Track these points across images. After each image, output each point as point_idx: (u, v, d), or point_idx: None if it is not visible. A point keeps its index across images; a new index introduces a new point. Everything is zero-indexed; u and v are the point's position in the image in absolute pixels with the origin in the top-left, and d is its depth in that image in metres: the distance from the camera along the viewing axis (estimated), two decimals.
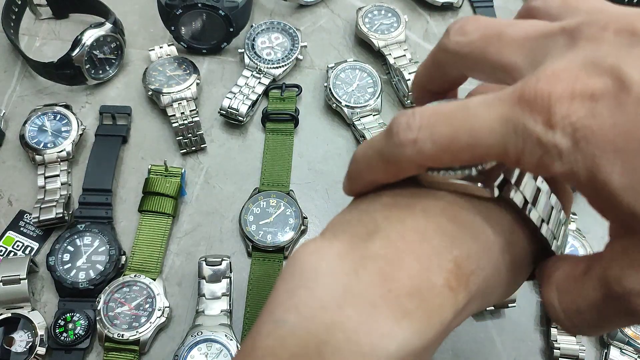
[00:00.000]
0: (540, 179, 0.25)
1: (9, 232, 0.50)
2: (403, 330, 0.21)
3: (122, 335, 0.44)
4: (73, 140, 0.52)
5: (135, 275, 0.46)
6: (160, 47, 0.57)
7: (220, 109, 0.55)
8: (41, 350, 0.44)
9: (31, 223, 0.50)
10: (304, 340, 0.21)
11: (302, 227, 0.50)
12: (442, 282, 0.22)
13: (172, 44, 0.58)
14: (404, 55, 0.56)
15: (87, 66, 0.55)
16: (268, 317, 0.22)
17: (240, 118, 0.55)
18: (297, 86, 0.58)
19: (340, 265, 0.22)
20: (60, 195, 0.50)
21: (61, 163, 0.51)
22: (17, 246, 0.49)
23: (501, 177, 0.23)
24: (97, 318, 0.44)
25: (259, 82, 0.56)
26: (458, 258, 0.22)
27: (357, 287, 0.21)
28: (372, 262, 0.22)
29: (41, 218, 0.48)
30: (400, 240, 0.23)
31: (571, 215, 0.50)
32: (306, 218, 0.50)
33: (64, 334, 0.44)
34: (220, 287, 0.46)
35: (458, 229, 0.23)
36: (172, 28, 0.57)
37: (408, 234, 0.23)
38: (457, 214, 0.24)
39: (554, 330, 0.47)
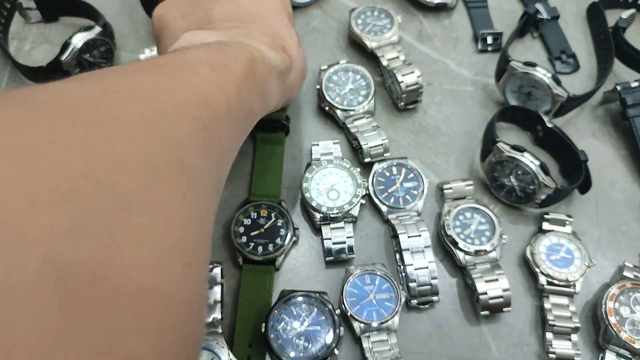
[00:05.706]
0: None
1: None
2: None
3: None
4: None
5: None
6: (151, 50, 0.57)
7: None
8: None
9: None
10: None
11: (294, 239, 0.49)
12: None
13: None
14: (398, 56, 0.56)
15: (77, 70, 0.54)
16: None
17: None
18: None
19: None
20: None
21: None
22: None
23: None
24: None
25: None
26: None
27: None
28: None
29: None
30: None
31: (567, 218, 0.50)
32: (297, 229, 0.49)
33: None
34: (213, 294, 0.44)
35: None
36: None
37: None
38: None
39: (549, 335, 0.46)
